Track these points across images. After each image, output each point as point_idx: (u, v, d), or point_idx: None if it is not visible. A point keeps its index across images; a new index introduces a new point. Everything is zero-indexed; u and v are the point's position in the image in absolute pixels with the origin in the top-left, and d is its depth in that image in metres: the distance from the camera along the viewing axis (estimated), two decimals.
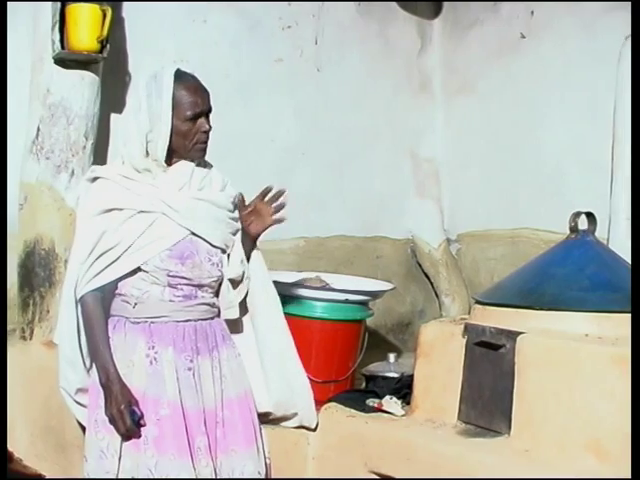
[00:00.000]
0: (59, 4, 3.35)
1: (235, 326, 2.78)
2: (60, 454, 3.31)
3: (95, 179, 2.60)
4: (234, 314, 2.71)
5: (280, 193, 2.72)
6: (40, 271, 3.44)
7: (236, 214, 2.72)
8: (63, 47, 3.37)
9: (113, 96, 3.64)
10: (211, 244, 2.62)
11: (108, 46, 3.42)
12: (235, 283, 2.70)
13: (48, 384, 3.08)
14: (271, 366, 2.77)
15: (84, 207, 2.60)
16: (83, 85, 3.45)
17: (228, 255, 2.69)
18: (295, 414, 2.83)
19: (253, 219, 2.72)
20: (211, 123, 2.59)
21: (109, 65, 3.55)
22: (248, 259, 2.73)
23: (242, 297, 2.73)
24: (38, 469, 3.24)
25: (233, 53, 4.02)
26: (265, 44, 4.12)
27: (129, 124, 2.57)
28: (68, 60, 3.41)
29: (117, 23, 3.57)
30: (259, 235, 2.75)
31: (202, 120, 2.56)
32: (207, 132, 2.58)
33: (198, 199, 2.59)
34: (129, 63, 3.72)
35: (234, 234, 2.70)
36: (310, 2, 4.24)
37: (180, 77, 2.55)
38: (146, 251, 2.53)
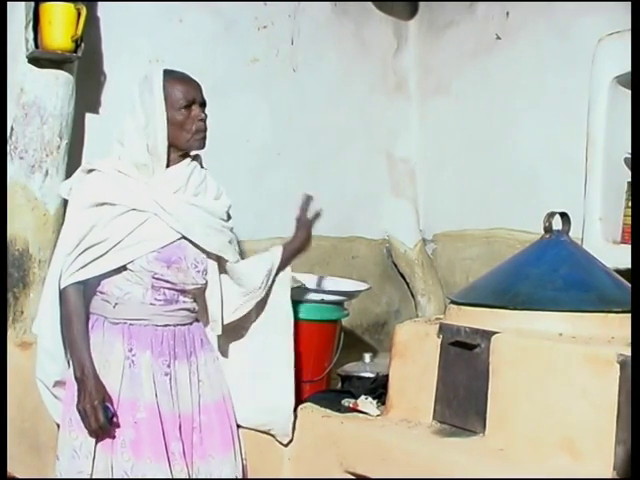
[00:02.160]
0: (33, 3, 3.33)
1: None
2: (34, 456, 3.29)
3: (90, 171, 2.58)
4: (217, 330, 2.70)
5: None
6: (14, 272, 3.41)
7: (230, 223, 2.72)
8: (37, 46, 3.35)
9: (88, 96, 3.62)
10: (204, 250, 2.61)
11: (83, 45, 3.40)
12: (242, 297, 2.71)
13: (22, 386, 3.06)
14: (262, 383, 2.76)
15: (76, 198, 2.58)
16: (57, 84, 3.42)
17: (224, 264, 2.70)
18: (271, 430, 2.81)
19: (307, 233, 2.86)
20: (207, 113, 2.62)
21: (84, 64, 3.53)
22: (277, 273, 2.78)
23: (241, 315, 2.73)
24: (11, 471, 3.21)
25: (209, 53, 4.01)
26: (241, 44, 4.11)
27: (126, 124, 2.58)
28: (42, 59, 3.38)
29: (92, 22, 3.55)
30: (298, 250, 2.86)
31: (197, 108, 2.59)
32: (203, 121, 2.61)
33: (192, 204, 2.59)
34: (104, 62, 3.70)
35: (230, 243, 2.69)
36: (286, 2, 4.24)
37: (170, 72, 2.60)
38: (134, 250, 2.52)
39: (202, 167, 2.71)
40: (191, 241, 2.59)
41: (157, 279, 2.55)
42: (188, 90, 2.58)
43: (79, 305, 2.51)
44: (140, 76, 2.62)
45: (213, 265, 2.67)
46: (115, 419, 2.45)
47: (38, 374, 2.65)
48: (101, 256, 2.51)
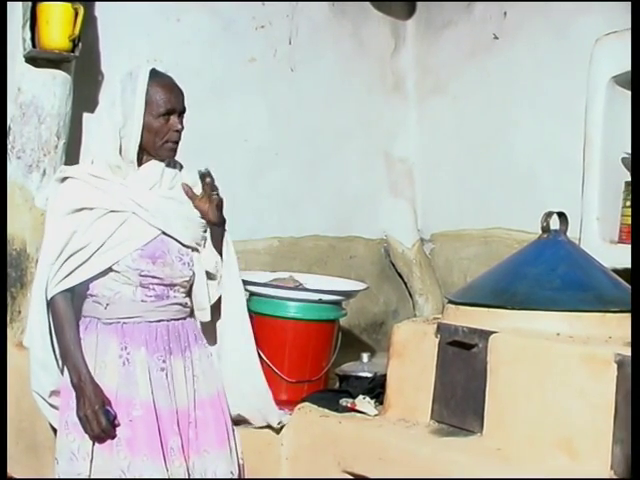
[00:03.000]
0: (30, 2, 3.33)
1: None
2: (32, 456, 3.29)
3: (64, 179, 2.58)
4: (206, 317, 2.71)
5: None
6: (11, 271, 3.41)
7: None
8: (34, 45, 3.34)
9: (85, 95, 3.61)
10: (182, 243, 2.61)
11: (80, 45, 3.40)
12: (210, 280, 2.69)
13: (19, 385, 3.06)
14: (232, 371, 2.77)
15: (53, 207, 2.58)
16: (55, 84, 3.42)
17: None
18: (256, 415, 2.83)
19: (207, 206, 2.65)
20: (184, 124, 2.59)
21: (81, 64, 3.53)
22: (220, 251, 2.72)
23: (215, 299, 2.72)
24: (9, 471, 3.20)
25: (206, 53, 4.01)
26: (239, 44, 4.11)
27: (103, 121, 2.57)
28: (39, 59, 3.38)
29: (89, 22, 3.55)
30: (220, 220, 2.69)
31: (175, 119, 2.56)
32: (179, 132, 2.58)
33: (168, 198, 2.59)
34: (101, 62, 3.70)
35: (205, 232, 2.69)
36: (284, 2, 4.24)
37: (156, 75, 2.57)
38: (117, 251, 2.52)
39: (175, 164, 2.68)
40: (171, 235, 2.59)
41: (144, 276, 2.55)
42: (170, 98, 2.55)
43: (69, 312, 2.52)
44: (125, 71, 2.59)
45: (197, 256, 2.68)
46: (116, 421, 2.46)
47: (33, 386, 2.66)
48: (85, 261, 2.51)
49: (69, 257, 2.50)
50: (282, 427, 2.84)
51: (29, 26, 3.35)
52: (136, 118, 2.50)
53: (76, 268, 2.50)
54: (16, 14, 3.35)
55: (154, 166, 2.59)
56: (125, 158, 2.54)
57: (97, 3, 3.63)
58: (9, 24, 3.37)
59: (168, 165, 2.63)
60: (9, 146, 3.41)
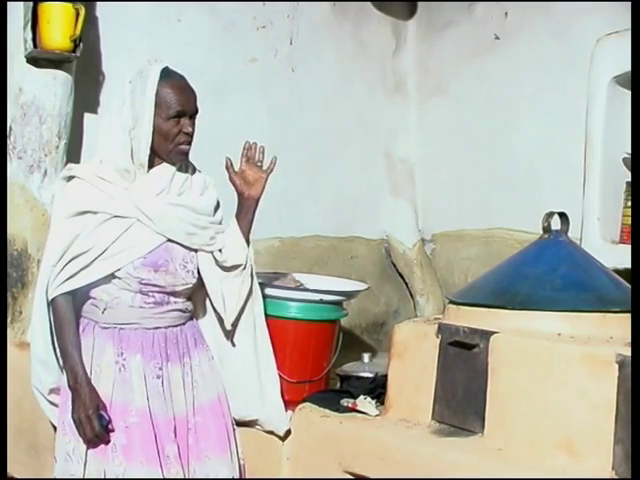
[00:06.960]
0: (31, 2, 3.33)
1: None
2: (32, 456, 3.29)
3: (71, 178, 2.55)
4: (227, 325, 2.68)
5: (258, 148, 2.68)
6: (12, 272, 3.41)
7: (218, 217, 2.67)
8: (35, 46, 3.35)
9: (86, 95, 3.62)
10: (189, 248, 2.58)
11: (81, 45, 3.40)
12: (236, 270, 2.64)
13: (20, 385, 3.06)
14: (247, 375, 2.74)
15: (58, 207, 2.54)
16: (56, 84, 3.43)
17: (219, 251, 2.63)
18: (265, 422, 2.81)
19: (247, 184, 2.64)
20: (196, 126, 2.54)
21: (82, 64, 3.53)
22: (248, 239, 2.67)
23: (246, 292, 2.67)
24: (10, 471, 3.20)
25: (207, 53, 4.01)
26: (239, 44, 4.11)
27: (113, 122, 2.50)
28: (40, 59, 3.39)
29: (90, 22, 3.55)
30: (259, 198, 2.66)
31: (185, 121, 2.50)
32: (189, 134, 2.52)
33: (176, 205, 2.54)
34: (102, 62, 3.70)
35: (217, 231, 2.64)
36: (285, 2, 4.24)
37: (167, 75, 2.49)
38: (120, 258, 2.48)
39: (187, 167, 2.63)
40: (175, 241, 2.55)
41: (145, 284, 2.52)
42: (181, 100, 2.48)
43: (69, 314, 2.49)
44: (136, 70, 2.54)
45: (209, 262, 2.63)
46: (110, 426, 2.44)
47: (34, 382, 2.65)
48: (87, 266, 2.47)
49: (70, 260, 2.46)
50: (288, 434, 2.82)
51: (30, 26, 3.35)
52: (146, 120, 2.44)
53: (77, 272, 2.47)
54: (17, 14, 3.35)
55: (164, 170, 2.54)
56: (135, 161, 2.48)
57: (98, 3, 3.64)
58: (10, 24, 3.37)
59: (180, 169, 2.58)
60: (10, 146, 3.41)
